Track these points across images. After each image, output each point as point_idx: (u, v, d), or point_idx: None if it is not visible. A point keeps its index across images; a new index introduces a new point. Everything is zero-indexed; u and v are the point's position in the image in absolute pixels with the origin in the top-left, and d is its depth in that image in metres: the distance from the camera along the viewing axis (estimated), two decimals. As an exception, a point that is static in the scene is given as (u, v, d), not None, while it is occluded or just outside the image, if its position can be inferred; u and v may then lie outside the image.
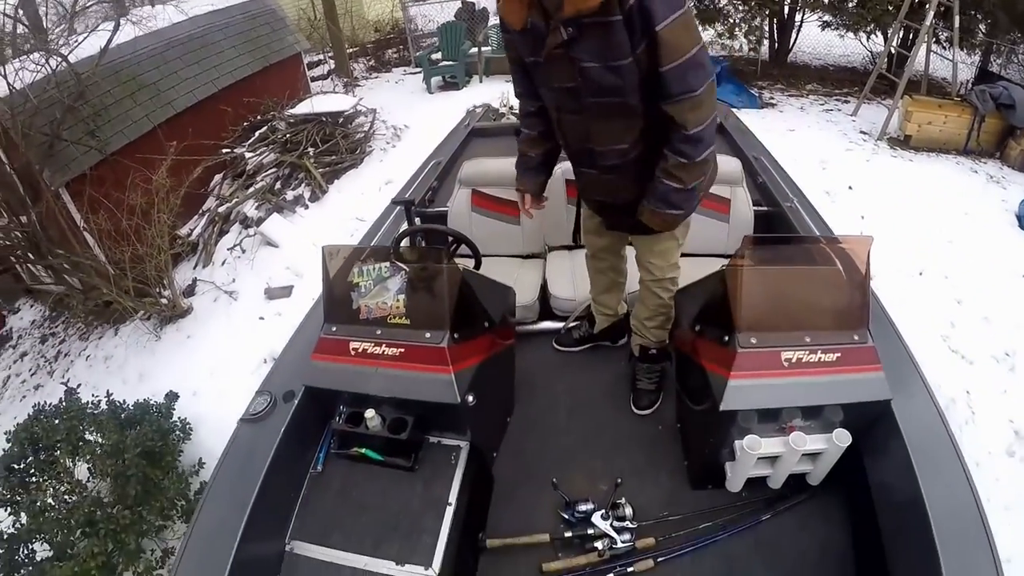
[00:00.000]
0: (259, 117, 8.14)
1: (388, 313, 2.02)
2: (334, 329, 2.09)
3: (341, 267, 2.13)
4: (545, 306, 3.06)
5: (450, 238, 2.66)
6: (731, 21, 9.87)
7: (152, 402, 4.46)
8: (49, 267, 5.96)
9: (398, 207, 3.30)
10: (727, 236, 3.08)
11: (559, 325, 3.01)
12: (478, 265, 2.59)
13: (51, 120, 5.77)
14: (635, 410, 2.58)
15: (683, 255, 2.39)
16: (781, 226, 3.09)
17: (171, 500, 4.01)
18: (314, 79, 10.27)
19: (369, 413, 1.99)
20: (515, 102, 5.82)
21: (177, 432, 4.31)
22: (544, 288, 3.07)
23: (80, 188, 5.94)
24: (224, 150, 7.49)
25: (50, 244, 5.65)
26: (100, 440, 4.08)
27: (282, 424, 2.07)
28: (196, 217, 7.07)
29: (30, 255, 5.79)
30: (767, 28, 10.08)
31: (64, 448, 4.00)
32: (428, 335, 1.95)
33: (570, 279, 3.05)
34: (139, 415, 4.27)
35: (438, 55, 10.43)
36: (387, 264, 2.05)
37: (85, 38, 6.33)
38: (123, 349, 6.02)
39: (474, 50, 10.24)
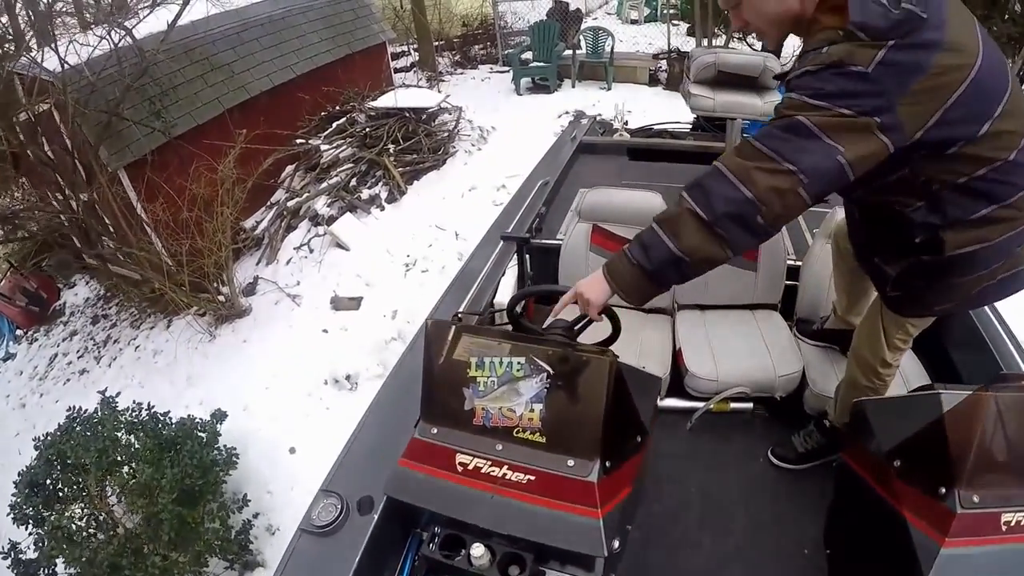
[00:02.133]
0: (338, 108, 7.64)
1: (516, 424, 1.54)
2: (434, 431, 1.58)
3: (451, 349, 1.64)
4: (675, 379, 2.54)
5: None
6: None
7: (197, 421, 3.94)
8: (99, 256, 5.52)
9: (502, 242, 2.90)
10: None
11: (691, 405, 2.45)
12: (615, 337, 1.98)
13: (109, 99, 5.32)
14: (770, 455, 2.30)
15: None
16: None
17: (208, 543, 3.51)
18: (396, 71, 9.76)
19: (477, 550, 1.49)
20: (635, 117, 5.17)
21: (220, 465, 3.78)
22: (676, 358, 2.56)
23: (141, 172, 5.50)
24: (298, 140, 6.98)
25: (102, 232, 5.22)
26: (133, 467, 3.58)
27: (358, 543, 1.66)
28: (263, 209, 6.59)
29: (77, 243, 5.36)
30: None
31: (94, 473, 3.53)
32: (571, 463, 1.48)
33: (708, 352, 2.50)
34: (181, 437, 3.73)
35: (528, 55, 9.83)
36: (522, 360, 1.56)
37: (151, 12, 5.88)
38: (174, 345, 5.58)
39: (568, 52, 9.58)
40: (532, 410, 1.51)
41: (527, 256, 2.87)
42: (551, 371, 1.51)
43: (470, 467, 1.50)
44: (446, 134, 7.33)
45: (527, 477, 1.47)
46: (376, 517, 1.71)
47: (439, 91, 8.52)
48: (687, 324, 2.69)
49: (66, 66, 5.00)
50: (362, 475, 1.83)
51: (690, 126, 4.92)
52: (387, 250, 5.74)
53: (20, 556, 3.50)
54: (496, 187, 6.66)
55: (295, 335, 5.16)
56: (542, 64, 9.47)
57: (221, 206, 5.21)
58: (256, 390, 4.72)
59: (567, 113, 8.46)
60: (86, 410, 3.92)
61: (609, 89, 9.38)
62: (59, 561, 3.39)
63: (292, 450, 4.23)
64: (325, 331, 5.07)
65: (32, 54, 5.17)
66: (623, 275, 1.58)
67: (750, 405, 2.37)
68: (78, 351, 6.57)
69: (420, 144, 6.91)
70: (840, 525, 2.00)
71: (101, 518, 3.58)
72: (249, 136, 5.67)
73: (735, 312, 2.70)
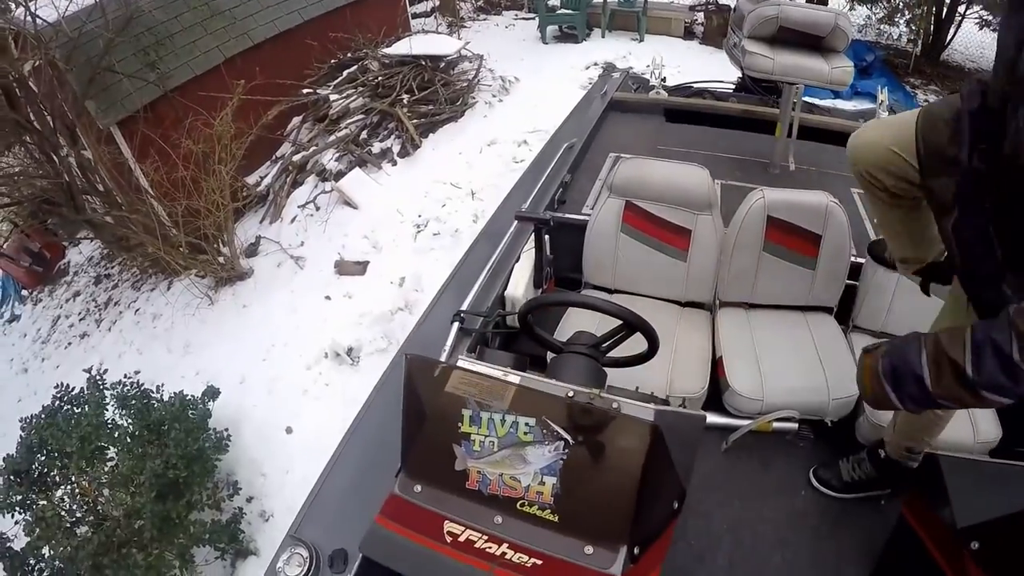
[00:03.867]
0: (349, 55, 7.10)
1: (521, 496, 1.18)
2: (417, 489, 1.23)
3: (435, 394, 1.27)
4: (712, 391, 2.14)
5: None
6: (893, 4, 8.51)
7: (188, 398, 3.61)
8: (87, 221, 5.16)
9: (516, 222, 2.53)
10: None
11: (728, 422, 2.06)
12: (651, 355, 1.60)
13: (92, 55, 4.87)
14: (811, 476, 1.98)
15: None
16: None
17: (194, 536, 3.23)
18: (415, 16, 9.14)
19: None
20: (668, 73, 4.60)
21: (208, 451, 3.47)
22: (715, 367, 2.16)
23: (133, 129, 5.10)
24: (305, 91, 6.48)
25: (90, 193, 4.84)
26: (115, 455, 3.35)
27: None
28: (268, 164, 6.17)
29: (63, 209, 4.98)
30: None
31: (76, 461, 3.28)
32: (590, 551, 1.13)
33: (754, 364, 2.12)
34: (169, 419, 3.39)
35: (556, 1, 9.15)
36: (531, 422, 1.18)
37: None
38: (173, 310, 5.22)
39: (598, 0, 8.89)
40: (543, 483, 1.16)
41: (547, 238, 2.50)
42: (570, 440, 1.14)
43: (461, 539, 1.16)
44: (465, 84, 6.79)
45: (533, 561, 1.12)
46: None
47: (459, 38, 7.93)
48: (730, 326, 2.32)
49: (40, 21, 4.54)
50: (336, 521, 1.56)
51: (733, 86, 4.41)
52: (397, 209, 5.29)
53: (8, 545, 3.24)
54: (517, 143, 6.15)
55: (296, 301, 4.78)
56: (570, 11, 8.81)
57: (218, 163, 4.78)
58: (254, 361, 4.36)
59: (596, 65, 7.86)
60: (74, 388, 3.65)
61: (641, 41, 8.73)
62: (46, 550, 3.15)
63: (288, 430, 3.87)
64: (328, 298, 4.67)
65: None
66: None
67: (795, 425, 1.97)
68: (80, 313, 6.30)
69: (436, 94, 6.39)
70: None
71: (86, 507, 3.31)
72: (249, 86, 5.18)
73: (785, 314, 2.37)
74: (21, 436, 3.48)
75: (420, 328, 2.15)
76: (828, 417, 2.02)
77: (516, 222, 2.52)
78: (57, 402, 3.59)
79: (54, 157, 4.63)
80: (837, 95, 6.06)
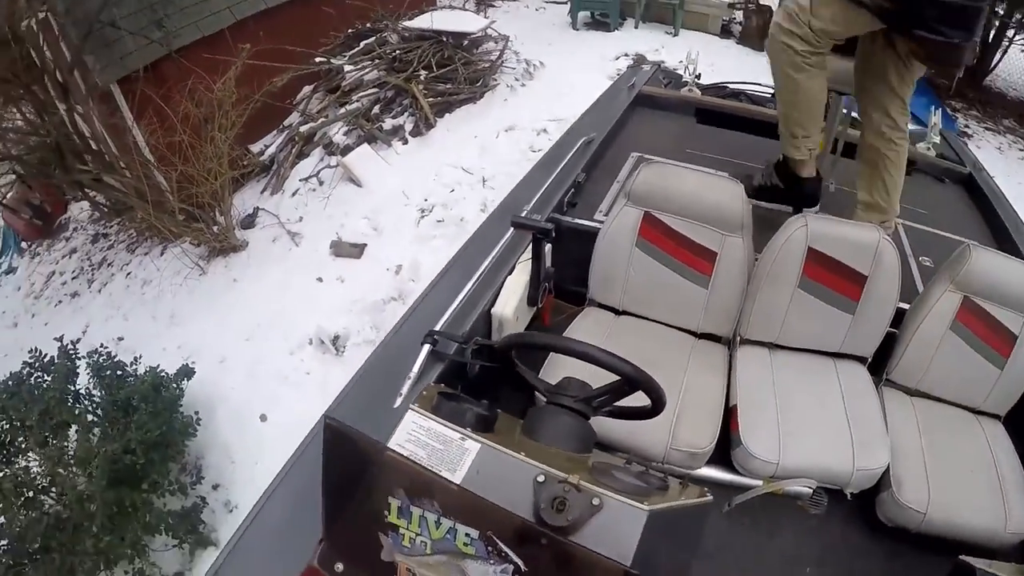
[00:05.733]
0: (368, 25, 6.80)
1: None
2: (339, 568, 1.02)
3: (360, 467, 1.08)
4: (721, 443, 1.83)
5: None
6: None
7: (162, 376, 3.44)
8: (76, 182, 4.96)
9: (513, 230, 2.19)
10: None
11: (733, 480, 1.83)
12: (655, 413, 1.35)
13: (88, 10, 4.61)
14: None
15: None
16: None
17: (148, 526, 3.08)
18: (443, -10, 8.83)
19: None
20: (704, 69, 4.24)
21: (175, 436, 3.31)
22: (728, 415, 1.87)
23: (132, 88, 4.86)
24: (319, 59, 6.20)
25: (82, 152, 4.63)
26: (73, 435, 3.17)
27: None
28: (275, 133, 5.92)
29: (52, 169, 4.78)
30: (976, 40, 8.13)
31: (35, 434, 3.13)
32: None
33: (772, 419, 1.83)
34: (139, 397, 3.19)
35: (590, -14, 8.79)
36: (474, 533, 0.95)
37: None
38: (163, 277, 5.04)
39: (633, -11, 8.54)
40: None
41: (547, 249, 2.15)
42: (521, 568, 0.91)
43: None
44: (487, 65, 6.48)
45: None
46: None
47: (486, 16, 7.62)
48: (749, 369, 2.02)
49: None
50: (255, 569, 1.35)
51: (773, 91, 3.95)
52: (403, 191, 5.04)
53: None
54: (536, 131, 5.86)
55: (288, 280, 4.55)
56: (603, -1, 8.46)
57: (217, 130, 4.55)
58: (237, 340, 4.16)
59: (626, 56, 7.52)
60: (47, 355, 3.46)
61: (676, 35, 8.36)
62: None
63: (263, 417, 3.67)
64: (320, 280, 4.43)
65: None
66: None
67: (809, 490, 1.69)
68: (73, 271, 6.14)
69: (456, 73, 6.09)
70: None
71: (48, 481, 3.14)
72: (256, 51, 4.93)
73: (812, 359, 2.09)
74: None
75: (388, 344, 1.87)
76: (849, 489, 1.74)
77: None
78: (28, 369, 3.43)
79: (43, 116, 4.42)
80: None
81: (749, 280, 2.07)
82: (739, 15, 8.61)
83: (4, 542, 2.94)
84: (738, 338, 2.12)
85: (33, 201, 6.90)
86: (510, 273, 2.10)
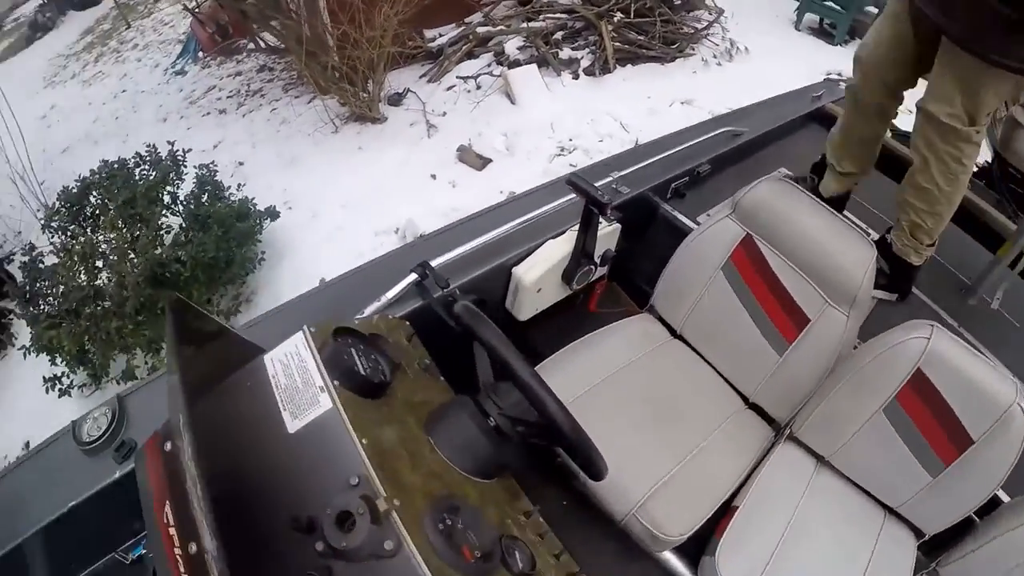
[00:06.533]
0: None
1: None
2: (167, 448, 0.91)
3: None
4: (697, 543, 1.51)
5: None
6: None
7: (250, 210, 3.55)
8: (241, 11, 5.07)
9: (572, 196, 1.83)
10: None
11: None
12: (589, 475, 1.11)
13: None
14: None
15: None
16: None
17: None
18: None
19: None
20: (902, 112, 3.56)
21: (234, 268, 3.41)
22: (719, 516, 1.54)
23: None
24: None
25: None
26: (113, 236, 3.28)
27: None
28: (453, 26, 5.75)
29: None
30: None
31: (111, 218, 3.29)
32: None
33: (768, 549, 1.47)
34: (217, 219, 3.22)
35: (829, -10, 7.93)
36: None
37: None
38: (298, 122, 5.08)
39: (873, 9, 7.59)
40: None
41: (602, 224, 1.77)
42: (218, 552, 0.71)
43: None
44: (690, 32, 5.98)
45: None
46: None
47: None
48: (781, 473, 1.61)
49: None
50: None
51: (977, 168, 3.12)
52: (552, 123, 4.74)
53: (39, 261, 3.35)
54: (713, 114, 5.35)
55: (405, 166, 4.45)
56: (838, 8, 7.60)
57: (390, 6, 4.44)
58: (334, 203, 4.13)
59: (839, 75, 6.75)
60: (159, 152, 3.69)
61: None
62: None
63: (322, 281, 3.60)
64: (433, 176, 4.28)
65: None
66: None
67: None
68: (230, 92, 6.39)
69: (653, 27, 5.64)
70: None
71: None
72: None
73: (862, 501, 1.63)
74: (91, 171, 3.47)
75: (393, 255, 1.72)
76: None
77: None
78: (136, 159, 3.61)
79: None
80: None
81: (833, 369, 1.63)
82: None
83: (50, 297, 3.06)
84: (788, 431, 1.71)
85: (220, 20, 7.22)
86: (555, 237, 1.79)
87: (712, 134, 2.35)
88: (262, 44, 5.58)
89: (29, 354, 3.19)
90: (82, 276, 3.16)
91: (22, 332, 3.76)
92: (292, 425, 0.90)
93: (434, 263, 1.56)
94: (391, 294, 1.48)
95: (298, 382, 0.94)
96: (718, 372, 1.81)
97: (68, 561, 1.28)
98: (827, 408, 1.60)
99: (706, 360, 1.83)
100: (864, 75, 1.92)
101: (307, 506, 0.80)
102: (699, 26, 6.11)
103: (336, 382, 0.93)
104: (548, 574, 0.97)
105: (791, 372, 1.68)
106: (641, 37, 5.61)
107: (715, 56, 6.07)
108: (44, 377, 3.17)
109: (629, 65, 5.54)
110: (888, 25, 1.83)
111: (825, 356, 1.63)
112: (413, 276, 1.51)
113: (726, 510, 1.52)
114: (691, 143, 2.28)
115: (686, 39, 5.90)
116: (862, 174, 2.20)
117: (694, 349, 1.84)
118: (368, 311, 1.43)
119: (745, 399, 1.78)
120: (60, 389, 3.10)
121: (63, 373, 3.12)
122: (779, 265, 1.67)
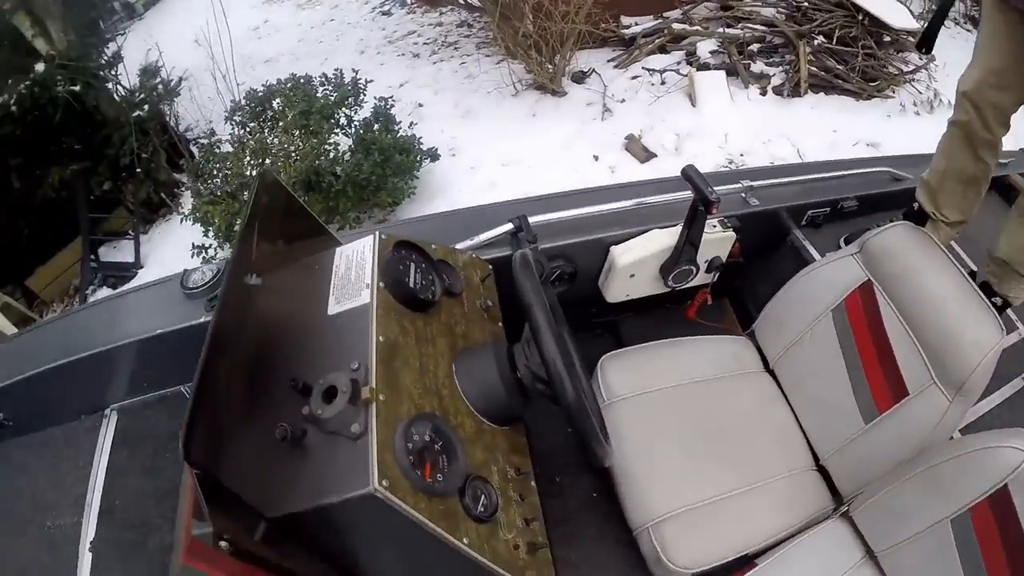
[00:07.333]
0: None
1: None
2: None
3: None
4: None
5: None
6: None
7: (417, 147, 3.99)
8: None
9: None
10: None
11: None
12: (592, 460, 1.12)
13: None
14: None
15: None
16: None
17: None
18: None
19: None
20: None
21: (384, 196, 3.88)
22: (736, 566, 1.45)
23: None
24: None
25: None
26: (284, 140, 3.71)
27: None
28: (652, 17, 5.77)
29: None
30: None
31: (286, 124, 3.75)
32: None
33: None
34: (379, 147, 3.60)
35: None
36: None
37: None
38: (482, 79, 5.35)
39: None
40: None
41: (709, 225, 1.68)
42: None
43: None
44: (894, 73, 5.67)
45: None
46: None
47: (923, 21, 6.60)
48: (826, 547, 1.43)
49: None
50: None
51: None
52: (727, 133, 4.71)
53: (216, 146, 4.06)
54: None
55: (573, 141, 4.59)
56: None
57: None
58: (495, 161, 4.38)
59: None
60: (345, 78, 4.12)
61: None
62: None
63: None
64: (596, 158, 4.40)
65: None
66: None
67: None
68: (427, 39, 6.75)
69: (854, 59, 5.41)
70: None
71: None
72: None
73: None
74: (278, 80, 3.98)
75: (504, 205, 1.74)
76: None
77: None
78: (322, 78, 4.05)
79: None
80: None
81: (914, 456, 1.40)
82: None
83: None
84: (845, 509, 1.51)
85: (438, -28, 7.60)
86: (661, 227, 1.74)
87: (868, 170, 2.15)
88: (463, 1, 5.87)
89: (186, 220, 3.81)
90: (248, 168, 3.58)
91: (187, 204, 4.40)
92: (333, 308, 1.04)
93: (535, 220, 1.60)
94: (484, 236, 1.57)
95: (352, 276, 1.08)
96: (798, 421, 1.68)
97: (142, 380, 1.50)
98: (893, 497, 1.37)
99: (790, 404, 1.70)
100: (976, 107, 1.74)
101: (310, 374, 0.92)
102: (905, 68, 5.77)
103: (382, 283, 1.05)
104: (506, 530, 0.99)
105: (871, 445, 1.49)
106: (840, 67, 5.40)
107: (915, 103, 5.72)
108: (193, 244, 3.78)
109: (822, 93, 5.35)
110: (993, 46, 1.67)
111: (913, 439, 1.41)
112: (509, 225, 1.58)
113: (745, 563, 1.41)
114: (841, 173, 2.11)
115: (888, 79, 5.60)
116: (968, 221, 1.94)
117: (782, 389, 1.72)
118: (461, 246, 1.50)
119: (816, 458, 1.63)
120: (204, 258, 3.70)
121: (210, 245, 3.70)
122: (892, 322, 1.48)
